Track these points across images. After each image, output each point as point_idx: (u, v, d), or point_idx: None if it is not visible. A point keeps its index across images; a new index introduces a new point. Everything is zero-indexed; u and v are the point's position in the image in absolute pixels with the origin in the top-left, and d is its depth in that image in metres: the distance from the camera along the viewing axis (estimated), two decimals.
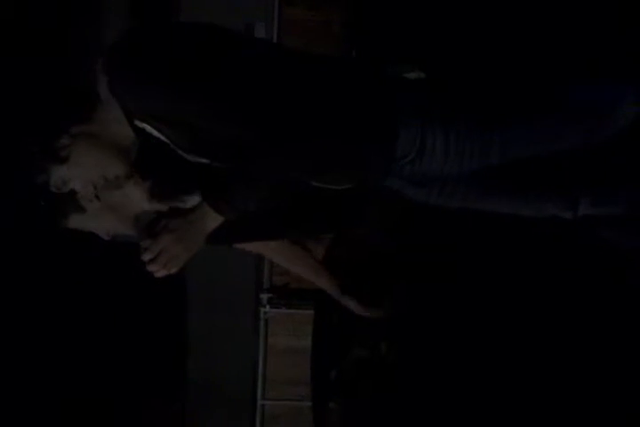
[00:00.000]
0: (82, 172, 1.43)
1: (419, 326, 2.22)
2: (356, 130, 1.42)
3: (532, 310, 2.03)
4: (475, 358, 2.11)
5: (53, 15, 2.79)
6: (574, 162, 1.62)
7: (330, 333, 2.47)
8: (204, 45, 1.36)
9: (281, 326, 3.26)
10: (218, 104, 1.35)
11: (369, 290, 1.99)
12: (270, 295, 3.24)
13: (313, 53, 1.55)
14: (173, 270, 1.47)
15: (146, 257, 1.44)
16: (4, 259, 2.73)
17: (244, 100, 1.35)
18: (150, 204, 1.47)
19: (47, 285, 2.89)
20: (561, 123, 1.55)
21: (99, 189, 1.44)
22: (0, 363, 2.75)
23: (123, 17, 2.87)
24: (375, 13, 2.73)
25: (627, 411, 1.90)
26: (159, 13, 2.91)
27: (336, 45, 2.92)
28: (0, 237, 2.56)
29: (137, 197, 1.46)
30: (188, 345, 3.31)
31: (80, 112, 1.44)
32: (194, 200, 1.49)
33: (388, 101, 1.45)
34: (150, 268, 1.45)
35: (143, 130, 1.44)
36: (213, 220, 1.43)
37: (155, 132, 1.43)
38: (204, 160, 1.49)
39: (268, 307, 3.24)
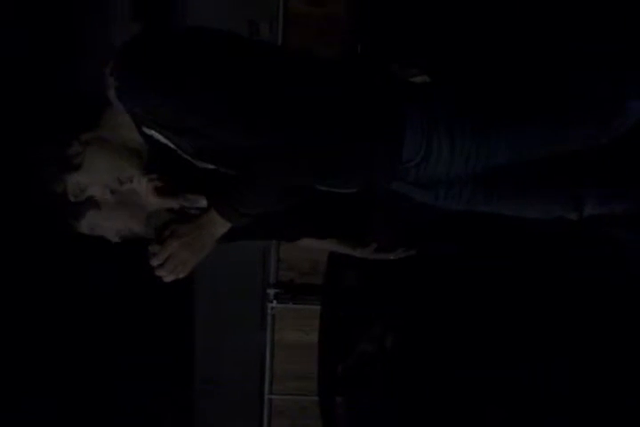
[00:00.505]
0: (97, 177, 1.45)
1: (425, 321, 2.24)
2: (364, 133, 1.43)
3: (539, 310, 2.04)
4: (481, 353, 2.12)
5: (62, 20, 2.78)
6: (579, 163, 1.63)
7: (336, 327, 2.49)
8: (211, 52, 1.37)
9: (288, 321, 3.26)
10: (225, 111, 1.35)
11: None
12: (277, 290, 3.24)
13: (319, 58, 1.56)
14: (181, 275, 1.48)
15: (154, 262, 1.45)
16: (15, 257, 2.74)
17: (253, 108, 1.36)
18: (157, 199, 1.48)
19: (48, 284, 2.90)
20: (566, 124, 1.55)
21: (115, 190, 1.46)
22: (6, 360, 2.76)
23: (128, 13, 2.86)
24: (380, 8, 2.72)
25: (627, 411, 1.91)
26: (165, 10, 2.90)
27: (341, 41, 2.91)
28: (8, 238, 2.57)
29: (145, 193, 1.48)
30: (195, 340, 3.33)
31: (89, 118, 1.45)
32: (200, 202, 1.50)
33: (394, 105, 1.45)
34: (159, 273, 1.46)
35: (151, 136, 1.45)
36: (222, 226, 1.44)
37: (162, 139, 1.44)
38: (210, 166, 1.49)
39: (274, 302, 3.23)
